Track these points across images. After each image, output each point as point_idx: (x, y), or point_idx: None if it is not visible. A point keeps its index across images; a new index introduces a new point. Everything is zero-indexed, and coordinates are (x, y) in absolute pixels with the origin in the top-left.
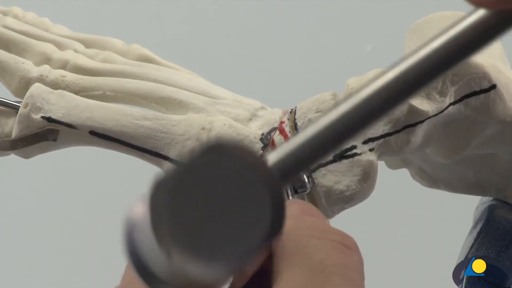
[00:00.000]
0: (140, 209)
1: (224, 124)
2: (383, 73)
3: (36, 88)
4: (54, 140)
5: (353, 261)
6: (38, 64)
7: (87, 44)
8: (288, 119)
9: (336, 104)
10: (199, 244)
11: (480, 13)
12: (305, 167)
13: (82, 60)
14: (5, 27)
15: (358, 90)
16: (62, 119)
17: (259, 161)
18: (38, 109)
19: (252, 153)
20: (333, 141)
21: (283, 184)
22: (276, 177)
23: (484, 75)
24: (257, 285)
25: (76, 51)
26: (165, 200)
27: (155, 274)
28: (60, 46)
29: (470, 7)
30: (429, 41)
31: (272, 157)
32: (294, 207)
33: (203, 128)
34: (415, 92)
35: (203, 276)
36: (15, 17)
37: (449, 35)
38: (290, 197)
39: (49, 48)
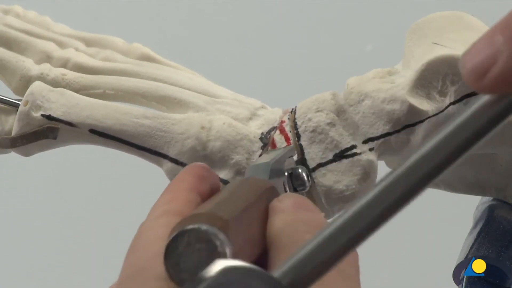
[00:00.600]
0: None
1: (224, 123)
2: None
3: (36, 86)
4: (54, 138)
5: (348, 257)
6: (39, 62)
7: (88, 42)
8: (288, 118)
9: (340, 216)
10: None
11: (484, 99)
12: (316, 280)
13: (83, 59)
14: (6, 25)
15: (361, 197)
16: (62, 117)
17: (272, 281)
18: (38, 107)
19: (263, 274)
20: (342, 251)
21: None
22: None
23: None
24: None
25: (77, 49)
26: None
27: None
28: (61, 44)
29: (470, 7)
30: (440, 130)
31: (280, 271)
32: (289, 201)
33: (202, 127)
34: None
35: None
36: (16, 15)
37: (456, 124)
38: None
39: (50, 47)
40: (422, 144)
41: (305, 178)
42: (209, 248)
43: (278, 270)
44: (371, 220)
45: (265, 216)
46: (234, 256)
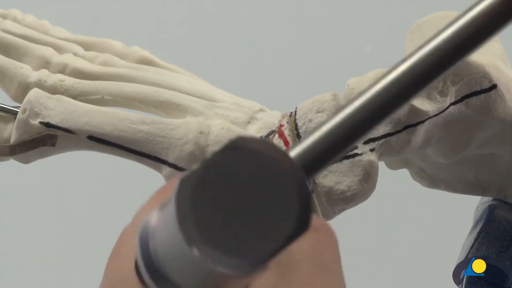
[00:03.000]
0: (156, 216)
1: (222, 128)
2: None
3: (34, 93)
4: (53, 145)
5: (323, 243)
6: (37, 68)
7: (87, 46)
8: (287, 122)
9: (358, 95)
10: (225, 240)
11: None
12: (329, 161)
13: (81, 64)
14: (4, 30)
15: (375, 82)
16: (60, 124)
17: (284, 155)
18: (36, 115)
19: (276, 148)
20: (355, 132)
21: (308, 178)
22: (301, 171)
23: (485, 75)
24: None
25: (75, 54)
26: (190, 197)
27: (169, 278)
28: (59, 49)
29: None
30: (438, 32)
31: (296, 151)
32: None
33: (201, 132)
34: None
35: (227, 273)
36: (15, 20)
37: (461, 22)
38: None
39: (48, 52)
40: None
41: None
42: None
43: (292, 150)
44: (384, 103)
45: None
46: None
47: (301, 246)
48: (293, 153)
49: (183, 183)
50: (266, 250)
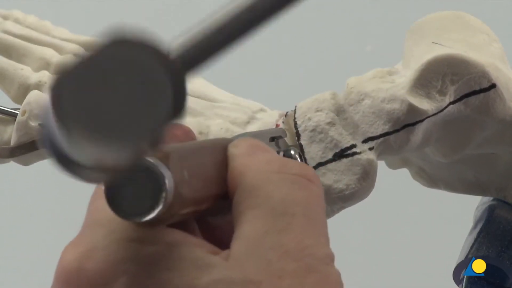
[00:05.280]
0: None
1: (221, 128)
2: None
3: (34, 95)
4: None
5: (315, 195)
6: (38, 69)
7: (88, 47)
8: (283, 122)
9: None
10: (103, 125)
11: None
12: (209, 54)
13: None
14: (6, 31)
15: None
16: None
17: (157, 47)
18: (36, 116)
19: (149, 40)
20: (239, 31)
21: (184, 67)
22: (176, 59)
23: (484, 75)
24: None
25: (75, 55)
26: (68, 87)
27: (70, 158)
28: (60, 50)
29: (470, 7)
30: None
31: (175, 44)
32: (244, 143)
33: (200, 133)
34: None
35: (108, 158)
36: (16, 20)
37: None
38: None
39: (48, 53)
40: None
41: (298, 159)
42: (149, 178)
43: (172, 45)
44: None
45: (223, 162)
46: (177, 187)
47: (296, 196)
48: (173, 45)
49: (62, 75)
50: (140, 134)
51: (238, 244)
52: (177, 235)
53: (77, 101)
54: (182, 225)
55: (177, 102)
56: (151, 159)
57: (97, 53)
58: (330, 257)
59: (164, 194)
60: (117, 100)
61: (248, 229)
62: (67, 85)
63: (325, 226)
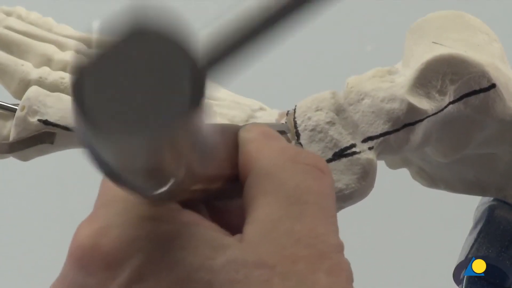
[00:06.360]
0: None
1: None
2: None
3: (33, 91)
4: (51, 143)
5: (327, 186)
6: (39, 65)
7: (90, 44)
8: (285, 122)
9: None
10: (123, 116)
11: None
12: (234, 51)
13: None
14: (8, 27)
15: None
16: (58, 122)
17: (180, 40)
18: (35, 112)
19: (172, 31)
20: (262, 30)
21: (207, 66)
22: (199, 55)
23: (484, 74)
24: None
25: (77, 52)
26: (90, 80)
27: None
28: (62, 46)
29: (470, 7)
30: None
31: (200, 37)
32: (257, 129)
33: None
34: None
35: (134, 146)
36: (19, 17)
37: None
38: None
39: (50, 49)
40: None
41: None
42: None
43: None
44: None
45: (233, 144)
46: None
47: (309, 185)
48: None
49: (82, 70)
50: (160, 123)
51: (252, 228)
52: (192, 216)
53: (99, 94)
54: (194, 208)
55: (194, 98)
56: None
57: (117, 45)
58: (341, 246)
59: None
60: (138, 90)
61: (262, 214)
62: (89, 78)
63: (335, 216)
